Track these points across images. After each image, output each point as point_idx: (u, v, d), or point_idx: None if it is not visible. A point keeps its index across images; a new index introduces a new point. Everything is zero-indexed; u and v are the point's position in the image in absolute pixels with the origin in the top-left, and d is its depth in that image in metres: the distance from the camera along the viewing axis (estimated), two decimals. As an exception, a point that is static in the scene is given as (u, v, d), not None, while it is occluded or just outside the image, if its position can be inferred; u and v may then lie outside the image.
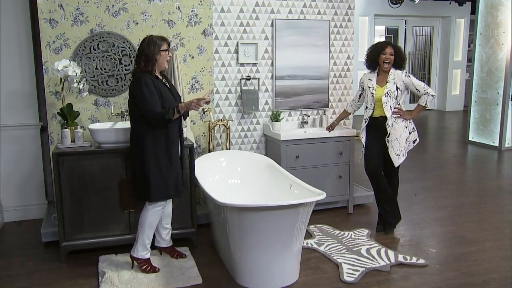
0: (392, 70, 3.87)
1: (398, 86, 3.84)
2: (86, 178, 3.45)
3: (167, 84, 3.27)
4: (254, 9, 4.42)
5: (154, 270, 3.26)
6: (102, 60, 3.99)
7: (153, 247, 3.52)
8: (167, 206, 3.43)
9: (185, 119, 3.49)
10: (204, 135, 4.43)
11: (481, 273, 3.27)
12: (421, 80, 4.98)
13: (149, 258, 3.30)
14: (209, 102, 3.13)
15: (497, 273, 3.27)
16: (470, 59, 8.67)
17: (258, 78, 4.55)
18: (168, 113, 3.02)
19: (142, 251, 3.26)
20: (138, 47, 3.22)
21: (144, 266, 3.25)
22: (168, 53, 3.21)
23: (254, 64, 4.52)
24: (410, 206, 4.72)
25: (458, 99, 11.97)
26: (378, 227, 4.06)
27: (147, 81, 3.05)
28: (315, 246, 3.70)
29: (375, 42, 4.20)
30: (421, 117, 10.29)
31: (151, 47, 3.11)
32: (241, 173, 4.01)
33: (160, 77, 3.22)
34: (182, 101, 3.35)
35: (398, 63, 3.87)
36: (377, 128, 3.91)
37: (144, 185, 3.14)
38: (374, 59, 3.90)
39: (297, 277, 3.19)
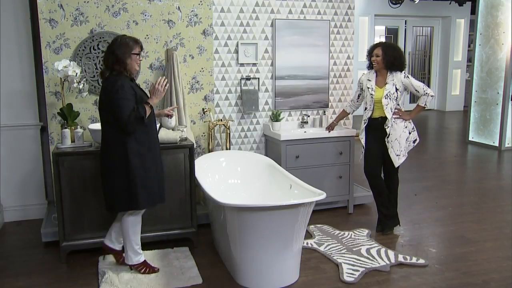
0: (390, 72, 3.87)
1: (398, 88, 3.84)
2: (86, 178, 3.45)
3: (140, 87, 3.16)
4: (254, 9, 4.42)
5: (153, 270, 3.25)
6: (102, 60, 3.98)
7: (145, 245, 3.52)
8: None
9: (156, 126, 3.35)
10: (204, 135, 4.43)
11: (481, 273, 3.28)
12: (421, 81, 4.97)
13: (144, 261, 3.26)
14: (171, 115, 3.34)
15: (497, 273, 3.28)
16: (470, 59, 8.67)
17: (258, 78, 4.55)
18: (139, 111, 2.90)
19: (135, 256, 3.22)
20: (108, 45, 3.06)
21: (143, 270, 3.23)
22: (139, 57, 3.07)
23: (254, 64, 4.52)
24: (410, 206, 4.72)
25: (458, 99, 11.97)
26: (378, 227, 4.06)
27: (124, 85, 2.92)
28: (315, 246, 3.70)
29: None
30: (421, 117, 10.30)
31: (122, 49, 2.97)
32: (241, 173, 4.01)
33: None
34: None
35: (387, 65, 3.83)
36: (376, 128, 3.90)
37: (129, 193, 3.00)
38: (370, 60, 3.94)
39: (297, 277, 3.19)
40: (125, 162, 2.97)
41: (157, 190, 3.11)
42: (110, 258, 3.45)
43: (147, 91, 3.25)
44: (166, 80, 3.08)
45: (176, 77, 4.01)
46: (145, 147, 3.02)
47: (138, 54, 3.06)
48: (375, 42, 4.39)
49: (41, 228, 3.77)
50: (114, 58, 2.97)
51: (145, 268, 3.24)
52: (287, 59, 4.58)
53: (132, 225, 3.15)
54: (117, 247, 3.35)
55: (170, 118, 3.46)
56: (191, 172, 3.64)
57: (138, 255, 3.24)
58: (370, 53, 3.93)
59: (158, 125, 3.69)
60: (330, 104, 4.84)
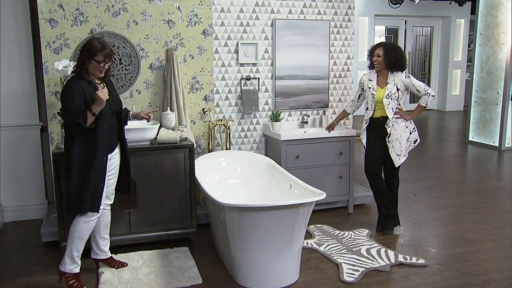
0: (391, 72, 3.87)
1: (399, 87, 3.84)
2: (86, 178, 3.44)
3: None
4: (254, 9, 4.42)
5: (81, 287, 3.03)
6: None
7: (145, 245, 3.52)
8: (105, 216, 3.24)
9: (125, 124, 3.26)
10: (204, 135, 4.43)
11: (481, 273, 3.28)
12: (421, 80, 4.98)
13: (78, 273, 3.03)
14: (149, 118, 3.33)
15: (497, 273, 3.28)
16: (470, 59, 8.67)
17: (258, 78, 4.55)
18: (78, 116, 2.79)
19: (71, 264, 3.00)
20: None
21: (71, 282, 3.00)
22: (104, 66, 2.94)
23: (254, 64, 4.52)
24: (410, 206, 4.72)
25: (458, 99, 11.97)
26: (378, 227, 4.06)
27: (73, 87, 2.84)
28: (315, 246, 3.70)
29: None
30: (421, 117, 10.30)
31: (85, 52, 2.91)
32: (241, 173, 4.01)
33: (98, 82, 2.99)
34: (123, 107, 3.18)
35: (388, 66, 3.83)
36: (378, 128, 3.90)
37: (69, 192, 2.94)
38: (371, 60, 3.94)
39: (297, 277, 3.19)
40: (68, 164, 2.93)
41: (89, 198, 2.93)
42: (110, 258, 3.45)
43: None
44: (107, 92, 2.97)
45: (176, 77, 4.01)
46: (89, 154, 2.90)
47: (100, 62, 2.92)
48: (376, 42, 4.38)
49: (41, 228, 3.77)
50: (79, 60, 2.95)
51: (74, 281, 3.00)
52: (287, 59, 4.58)
53: (80, 227, 2.98)
54: (103, 255, 3.30)
55: (148, 121, 3.42)
56: (191, 172, 3.64)
57: (74, 264, 3.02)
58: (371, 53, 3.93)
59: (158, 125, 3.70)
60: (330, 104, 4.84)
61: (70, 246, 3.00)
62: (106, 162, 3.01)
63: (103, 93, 2.85)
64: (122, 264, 3.34)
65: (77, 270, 3.03)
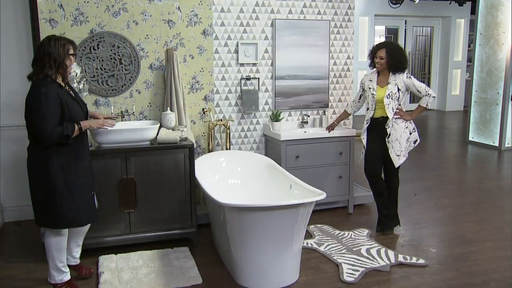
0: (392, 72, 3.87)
1: (400, 88, 3.83)
2: (86, 178, 3.43)
3: (72, 92, 2.88)
4: (254, 9, 4.42)
5: None
6: (102, 60, 3.99)
7: (145, 245, 3.52)
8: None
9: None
10: (204, 135, 4.43)
11: (481, 273, 3.28)
12: (421, 81, 4.97)
13: (69, 280, 2.97)
14: (113, 124, 3.11)
15: (497, 273, 3.28)
16: (470, 59, 8.67)
17: (258, 78, 4.55)
18: (66, 129, 2.69)
19: (59, 275, 2.93)
20: (38, 47, 2.78)
21: None
22: (75, 59, 2.85)
23: (254, 64, 4.52)
24: (410, 206, 4.72)
25: (458, 99, 11.97)
26: (378, 227, 4.06)
27: (48, 93, 2.64)
28: (315, 246, 3.70)
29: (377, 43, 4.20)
30: (421, 117, 10.29)
31: (60, 50, 2.70)
32: (241, 173, 4.01)
33: (63, 84, 2.81)
34: (88, 110, 3.06)
35: (391, 67, 3.83)
36: (378, 128, 3.90)
37: (49, 209, 2.75)
38: (372, 60, 3.93)
39: (297, 277, 3.19)
40: (47, 178, 2.71)
41: (84, 209, 2.87)
42: (110, 258, 3.45)
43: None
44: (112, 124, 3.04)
45: (176, 77, 4.01)
46: (73, 163, 2.80)
47: (74, 55, 2.84)
48: (376, 42, 4.38)
49: (41, 228, 3.77)
50: (52, 61, 2.70)
51: (68, 287, 2.96)
52: (287, 59, 4.58)
53: (56, 242, 2.88)
54: (74, 262, 3.18)
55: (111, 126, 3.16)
56: (191, 172, 3.64)
57: (62, 274, 2.95)
58: (373, 53, 3.91)
59: (158, 125, 3.69)
60: (330, 104, 4.84)
61: (52, 260, 2.91)
62: (89, 169, 2.99)
63: (109, 124, 2.99)
64: (90, 271, 3.24)
65: (67, 277, 2.97)
